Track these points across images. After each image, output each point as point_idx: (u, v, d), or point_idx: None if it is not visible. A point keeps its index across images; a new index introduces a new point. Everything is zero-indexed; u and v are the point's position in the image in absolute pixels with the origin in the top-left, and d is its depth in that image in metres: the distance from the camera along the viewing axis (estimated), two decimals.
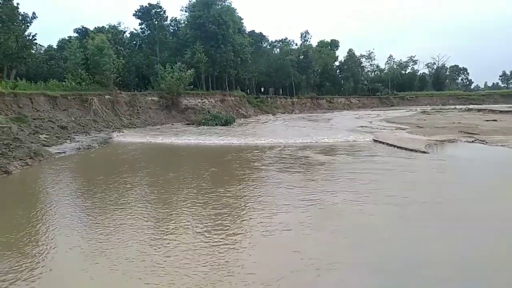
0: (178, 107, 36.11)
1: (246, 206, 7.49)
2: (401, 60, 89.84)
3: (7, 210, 7.76)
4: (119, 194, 8.63)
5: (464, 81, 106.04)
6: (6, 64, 27.53)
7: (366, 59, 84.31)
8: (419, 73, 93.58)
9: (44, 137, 18.63)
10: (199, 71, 41.83)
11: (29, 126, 19.14)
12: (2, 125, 15.77)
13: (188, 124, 31.61)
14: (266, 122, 35.96)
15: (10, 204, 8.38)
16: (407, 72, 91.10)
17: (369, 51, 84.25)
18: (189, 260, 4.96)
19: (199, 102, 39.53)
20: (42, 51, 42.42)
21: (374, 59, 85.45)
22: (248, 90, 57.91)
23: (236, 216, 6.89)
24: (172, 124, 31.74)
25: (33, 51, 34.98)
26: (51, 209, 7.61)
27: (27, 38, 31.02)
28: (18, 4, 28.63)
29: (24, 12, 30.43)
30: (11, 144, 14.45)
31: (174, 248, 5.38)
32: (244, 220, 6.68)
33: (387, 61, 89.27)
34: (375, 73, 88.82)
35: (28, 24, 31.11)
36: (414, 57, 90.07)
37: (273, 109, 54.43)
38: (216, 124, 30.41)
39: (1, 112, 18.55)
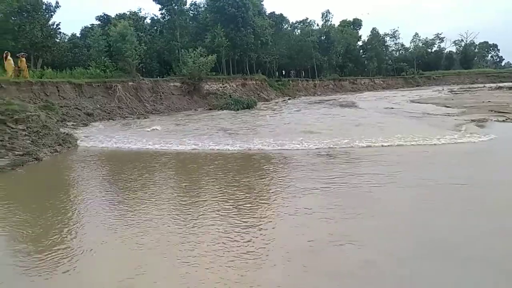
0: (200, 92, 36.18)
1: None
2: (427, 38, 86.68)
3: (39, 198, 7.99)
4: (147, 181, 8.74)
5: (494, 58, 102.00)
6: (32, 53, 28.15)
7: (390, 37, 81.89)
8: (446, 51, 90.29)
9: (71, 124, 19.12)
10: (220, 55, 41.66)
11: (56, 113, 19.64)
12: (31, 113, 16.18)
13: (210, 109, 31.76)
14: (287, 106, 35.53)
15: (42, 191, 8.64)
16: (433, 51, 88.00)
17: (394, 29, 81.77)
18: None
19: (221, 87, 39.46)
20: (66, 40, 43.06)
21: (399, 38, 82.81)
22: (270, 73, 57.34)
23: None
24: (196, 110, 31.91)
25: (58, 40, 35.62)
26: (82, 196, 7.79)
27: (51, 27, 31.59)
28: None
29: (47, 2, 30.93)
30: (40, 132, 14.85)
31: (201, 227, 5.42)
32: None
33: (412, 40, 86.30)
34: (400, 52, 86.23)
35: (52, 13, 31.62)
36: (440, 34, 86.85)
37: (295, 92, 53.81)
38: (238, 109, 30.56)
39: (29, 100, 19.04)
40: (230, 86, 41.10)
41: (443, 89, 52.01)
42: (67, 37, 44.17)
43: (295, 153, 11.38)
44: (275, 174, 8.80)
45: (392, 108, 26.11)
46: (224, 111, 29.76)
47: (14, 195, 8.21)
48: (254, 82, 46.75)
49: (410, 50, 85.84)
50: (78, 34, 45.39)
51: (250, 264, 4.38)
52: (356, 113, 24.22)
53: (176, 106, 32.27)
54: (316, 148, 11.83)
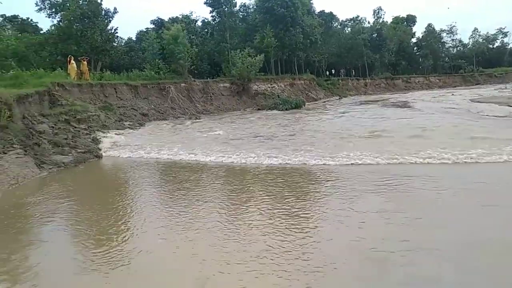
0: (249, 93, 36.45)
1: None
2: (488, 33, 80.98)
3: (99, 195, 8.41)
4: (206, 187, 8.88)
5: None
6: (93, 57, 29.82)
7: (447, 33, 77.46)
8: (510, 47, 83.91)
9: (128, 124, 20.01)
10: (269, 56, 41.72)
11: (114, 114, 20.68)
12: (92, 114, 17.18)
13: (258, 109, 31.90)
14: (337, 107, 34.67)
15: (102, 188, 9.09)
16: (495, 46, 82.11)
17: (451, 25, 77.25)
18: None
19: (269, 87, 39.49)
20: (122, 44, 45.29)
21: (456, 34, 78.05)
22: (318, 72, 56.52)
23: None
24: (244, 110, 32.18)
25: (115, 44, 37.48)
26: (139, 195, 8.09)
27: (110, 32, 33.28)
28: (101, 0, 30.82)
29: (106, 8, 32.63)
30: (100, 131, 15.69)
31: (252, 229, 5.40)
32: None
33: (471, 35, 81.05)
34: (458, 49, 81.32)
35: (110, 19, 33.29)
36: (504, 28, 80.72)
37: (345, 91, 52.50)
38: (286, 109, 30.45)
39: (90, 101, 20.19)
40: (278, 86, 41.02)
41: (505, 87, 48.30)
42: (123, 41, 46.43)
43: (350, 169, 9.12)
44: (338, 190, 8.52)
45: (453, 108, 24.40)
46: (273, 111, 29.73)
47: (76, 192, 8.71)
48: (303, 81, 46.31)
49: (468, 47, 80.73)
50: (133, 38, 47.63)
51: (311, 280, 4.20)
52: (416, 114, 21.86)
53: (226, 106, 32.75)
54: (373, 163, 9.41)
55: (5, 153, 10.22)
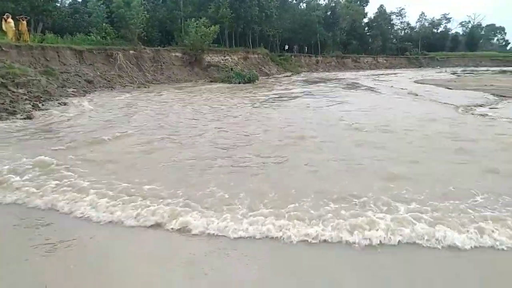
0: (201, 64, 35.86)
1: None
2: (433, 18, 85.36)
3: None
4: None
5: (500, 41, 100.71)
6: (33, 17, 27.64)
7: (396, 16, 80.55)
8: (452, 33, 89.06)
9: (72, 91, 19.10)
10: (223, 27, 41.02)
11: (57, 79, 19.56)
12: (32, 78, 16.18)
13: (211, 81, 31.61)
14: (293, 84, 34.92)
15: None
16: (439, 31, 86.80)
17: (400, 7, 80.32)
18: None
19: (222, 59, 39.09)
20: (66, 4, 42.15)
21: (405, 17, 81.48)
22: (272, 47, 56.58)
23: None
24: (197, 81, 31.66)
25: (58, 4, 34.92)
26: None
27: None
28: None
29: None
30: (41, 97, 14.94)
31: None
32: None
33: (418, 19, 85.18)
34: (405, 32, 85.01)
35: None
36: (447, 14, 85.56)
37: (297, 67, 53.14)
38: (239, 82, 30.36)
39: (30, 65, 18.88)
40: (231, 59, 40.71)
41: (445, 71, 51.76)
42: (67, 2, 43.25)
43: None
44: None
45: (403, 88, 24.47)
46: (226, 84, 29.54)
47: None
48: (256, 56, 46.22)
49: (415, 30, 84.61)
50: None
51: None
52: (381, 99, 19.37)
53: (177, 77, 32.04)
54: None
55: None
